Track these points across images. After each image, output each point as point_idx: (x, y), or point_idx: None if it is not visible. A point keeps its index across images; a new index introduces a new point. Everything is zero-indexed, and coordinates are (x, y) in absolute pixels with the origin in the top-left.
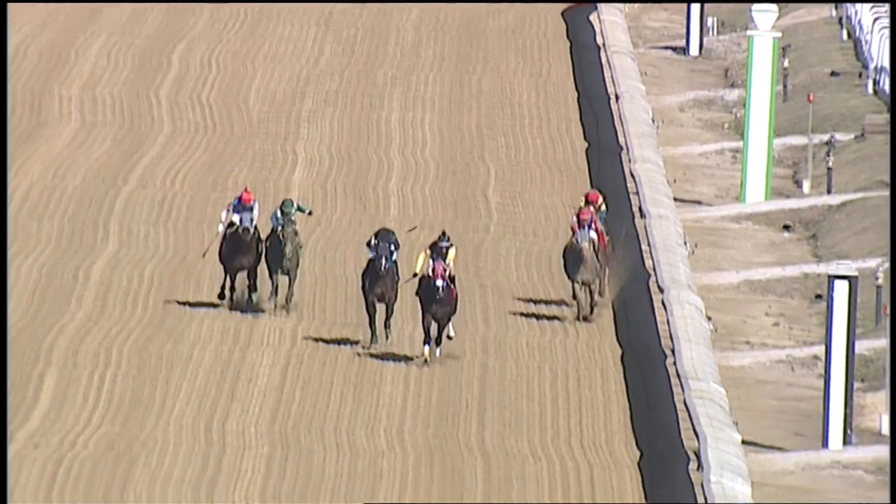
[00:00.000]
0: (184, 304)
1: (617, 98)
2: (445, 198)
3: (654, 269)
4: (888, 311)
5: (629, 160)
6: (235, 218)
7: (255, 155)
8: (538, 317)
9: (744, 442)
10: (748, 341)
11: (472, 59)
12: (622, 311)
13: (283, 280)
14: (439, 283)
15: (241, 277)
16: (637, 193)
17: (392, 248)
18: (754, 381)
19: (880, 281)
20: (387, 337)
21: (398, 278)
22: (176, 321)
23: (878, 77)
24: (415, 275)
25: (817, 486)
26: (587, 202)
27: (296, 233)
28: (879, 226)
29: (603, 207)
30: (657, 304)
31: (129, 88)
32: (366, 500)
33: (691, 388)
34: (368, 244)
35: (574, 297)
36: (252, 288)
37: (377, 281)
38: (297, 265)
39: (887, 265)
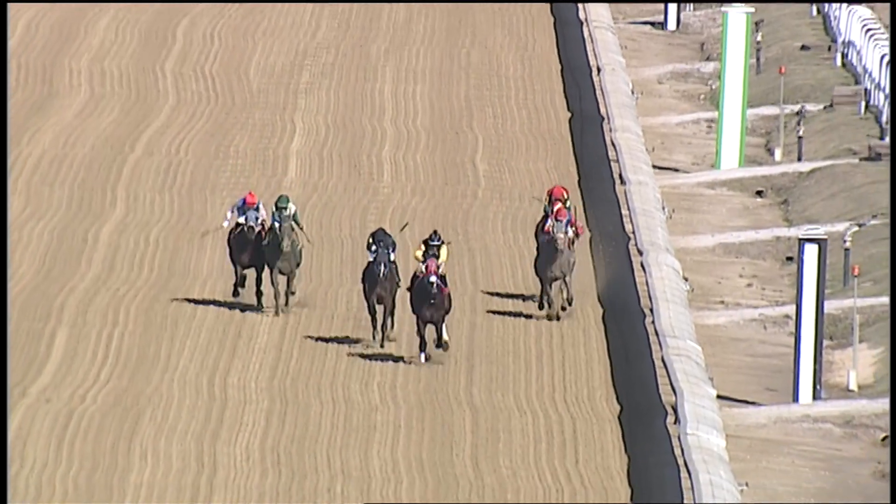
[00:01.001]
0: (188, 265)
1: (598, 70)
2: (436, 165)
3: (634, 233)
4: (857, 272)
5: (610, 129)
6: (242, 220)
7: (255, 124)
8: (524, 278)
9: (718, 396)
10: (723, 301)
11: (461, 34)
12: (603, 272)
13: (281, 280)
14: (432, 279)
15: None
16: (617, 161)
17: (390, 251)
18: (728, 338)
19: (848, 244)
20: (384, 342)
21: (398, 279)
22: (180, 282)
23: (846, 50)
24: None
25: (788, 438)
26: (551, 199)
27: (293, 229)
28: (847, 192)
29: (569, 203)
30: (636, 266)
31: (136, 61)
32: (360, 450)
33: (669, 345)
34: (368, 247)
35: (542, 300)
36: (259, 292)
37: (376, 285)
38: (298, 264)
39: (855, 229)
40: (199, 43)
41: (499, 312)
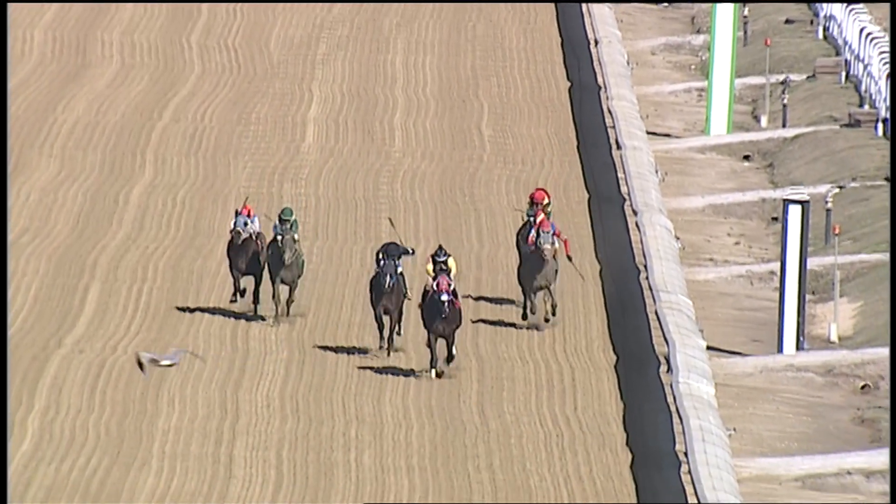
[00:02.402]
0: (212, 225)
1: (596, 43)
2: (444, 131)
3: (629, 195)
4: (837, 231)
5: (607, 98)
6: (232, 224)
7: (274, 93)
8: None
9: (708, 347)
10: (712, 258)
11: (468, 9)
12: (600, 231)
13: (284, 288)
14: (444, 297)
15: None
16: (614, 127)
17: (396, 263)
18: (717, 293)
19: (829, 205)
20: (390, 351)
21: (405, 291)
22: (205, 240)
23: (827, 24)
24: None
25: (773, 386)
26: (532, 203)
27: (295, 240)
28: (829, 156)
29: (550, 207)
30: (631, 226)
31: (164, 34)
32: (373, 398)
33: (661, 299)
34: (377, 259)
35: (525, 310)
36: (255, 300)
37: (382, 296)
38: (300, 275)
39: (836, 191)
40: (222, 17)
41: (502, 269)
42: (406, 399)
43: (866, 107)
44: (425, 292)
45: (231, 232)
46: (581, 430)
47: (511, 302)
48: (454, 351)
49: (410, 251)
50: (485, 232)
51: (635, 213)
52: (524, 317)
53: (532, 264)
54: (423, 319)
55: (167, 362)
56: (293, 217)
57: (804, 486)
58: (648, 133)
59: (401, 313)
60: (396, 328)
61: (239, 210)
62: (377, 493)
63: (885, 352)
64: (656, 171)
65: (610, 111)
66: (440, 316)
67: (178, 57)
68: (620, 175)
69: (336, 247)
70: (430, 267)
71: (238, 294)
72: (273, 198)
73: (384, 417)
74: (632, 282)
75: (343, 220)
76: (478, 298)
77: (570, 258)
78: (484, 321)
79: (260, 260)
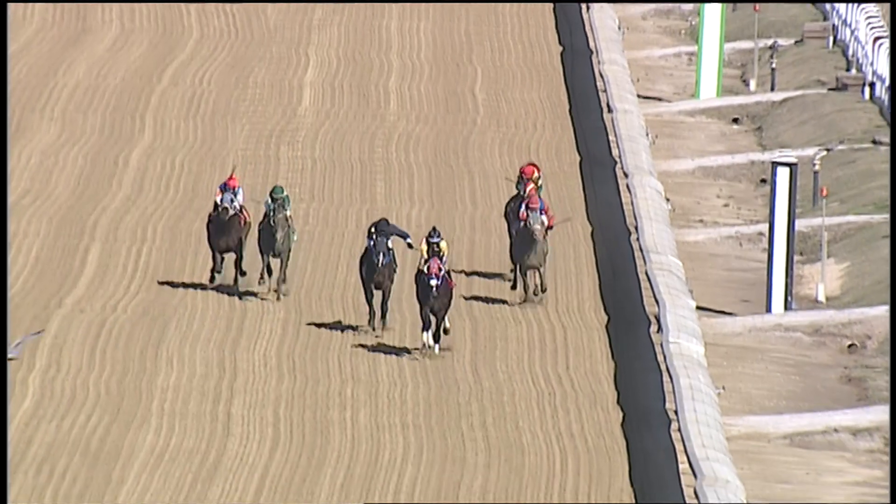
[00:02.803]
0: (210, 187)
1: (587, 8)
2: (438, 95)
3: (620, 157)
4: (825, 193)
5: (598, 62)
6: (218, 200)
7: (272, 57)
8: None
9: (698, 307)
10: (702, 220)
11: None
12: (592, 194)
13: (274, 263)
14: (433, 281)
15: (230, 260)
16: (605, 91)
17: (388, 240)
18: (707, 254)
19: (817, 167)
20: (383, 326)
21: (395, 267)
22: (203, 202)
23: None
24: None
25: (761, 345)
26: (522, 178)
27: (287, 219)
28: (816, 119)
29: (540, 181)
30: (622, 188)
31: None
32: (368, 357)
33: (652, 260)
34: (369, 234)
35: (516, 282)
36: (239, 272)
37: (374, 272)
38: (290, 250)
39: (824, 153)
40: None
41: (495, 230)
42: (401, 358)
43: (853, 71)
44: (419, 272)
45: (218, 209)
46: (573, 388)
47: (504, 264)
48: (446, 324)
49: (406, 236)
50: (478, 194)
51: (626, 175)
52: (513, 286)
53: (523, 242)
54: (418, 298)
55: (11, 355)
56: (284, 194)
57: (792, 443)
58: (639, 97)
59: (389, 289)
60: (386, 305)
61: (225, 182)
62: (372, 451)
63: (871, 312)
64: (647, 134)
65: (601, 75)
66: (431, 296)
67: (176, 22)
68: (612, 138)
69: (332, 209)
70: (425, 248)
71: (216, 272)
72: (270, 160)
73: (379, 376)
74: (623, 243)
75: (339, 182)
76: (471, 260)
77: (551, 227)
78: (478, 276)
79: (242, 237)
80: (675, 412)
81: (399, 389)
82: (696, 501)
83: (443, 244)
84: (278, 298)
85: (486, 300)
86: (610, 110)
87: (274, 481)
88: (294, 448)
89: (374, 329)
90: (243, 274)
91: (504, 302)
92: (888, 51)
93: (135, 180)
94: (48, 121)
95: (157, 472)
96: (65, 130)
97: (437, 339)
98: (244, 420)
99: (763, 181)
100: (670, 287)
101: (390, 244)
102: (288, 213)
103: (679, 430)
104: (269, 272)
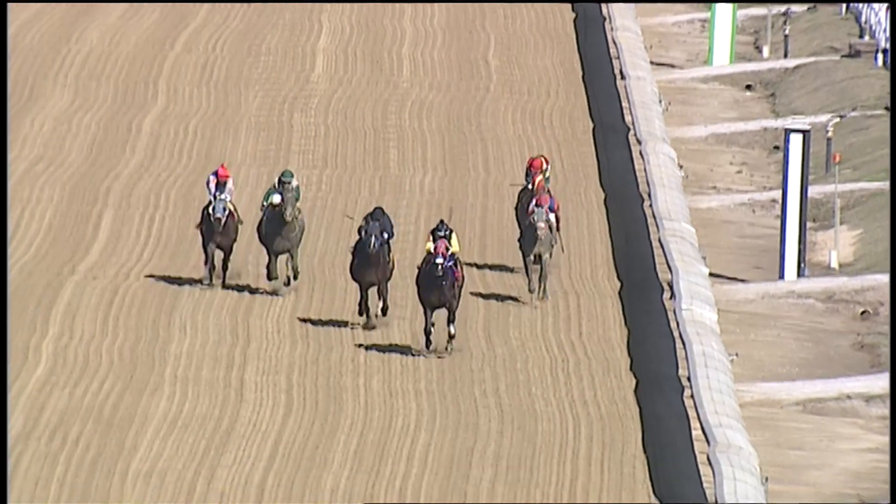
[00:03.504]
0: (223, 153)
1: None
2: (451, 61)
3: (633, 124)
4: (838, 159)
5: (611, 28)
6: (210, 209)
7: (285, 24)
8: None
9: (711, 274)
10: (715, 186)
11: None
12: (605, 160)
13: (281, 258)
14: (439, 260)
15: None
16: (618, 58)
17: (382, 229)
18: (720, 221)
19: (830, 134)
20: (376, 317)
21: (389, 260)
22: (216, 168)
23: None
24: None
25: (774, 312)
26: (530, 171)
27: (297, 212)
28: (829, 86)
29: (549, 174)
30: (635, 155)
31: None
32: (381, 326)
33: (665, 227)
34: (359, 229)
35: (527, 274)
36: (224, 267)
37: (366, 265)
38: (299, 242)
39: (837, 120)
40: None
41: (508, 197)
42: (414, 324)
43: (866, 38)
44: (423, 260)
45: (211, 218)
46: (586, 355)
47: (518, 229)
48: (453, 330)
49: (391, 235)
50: (491, 161)
51: (639, 142)
52: (527, 274)
53: (529, 237)
54: (419, 292)
55: None
56: (295, 182)
57: (805, 410)
58: (652, 63)
59: (385, 284)
60: (383, 304)
61: (216, 171)
62: (385, 417)
63: (884, 278)
64: (660, 101)
65: (614, 42)
66: (437, 283)
67: None
68: (625, 105)
69: (345, 175)
70: (430, 245)
71: (210, 272)
72: (283, 127)
73: (392, 343)
74: (636, 210)
75: (352, 149)
76: (483, 226)
77: (558, 227)
78: (490, 243)
79: (235, 238)
80: (688, 379)
81: (412, 356)
82: (708, 468)
83: (454, 240)
84: (288, 289)
85: (500, 268)
86: (623, 77)
87: (287, 447)
88: (307, 414)
89: (368, 327)
90: (225, 269)
91: (517, 269)
92: None
93: (148, 147)
94: (61, 87)
95: (170, 439)
96: (78, 97)
97: (449, 338)
98: (257, 386)
99: (776, 148)
100: (683, 254)
101: (385, 233)
102: (297, 204)
103: (692, 396)
104: (272, 270)
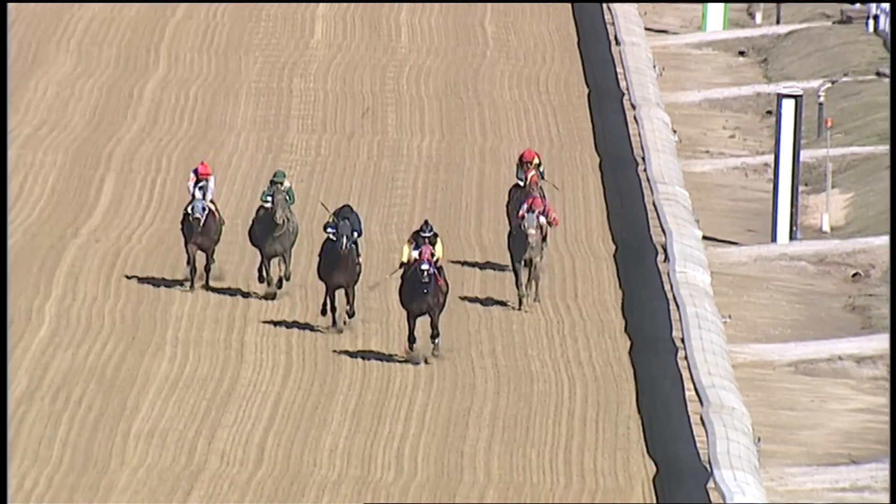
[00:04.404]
0: (223, 119)
1: None
2: (448, 28)
3: (628, 89)
4: (829, 124)
5: None
6: (190, 209)
7: None
8: (528, 128)
9: (704, 237)
10: (708, 151)
11: None
12: (600, 125)
13: (274, 261)
14: (425, 266)
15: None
16: (613, 24)
17: (353, 228)
18: (713, 184)
19: (822, 99)
20: (344, 323)
21: (359, 261)
22: (217, 133)
23: None
24: (401, 265)
25: (767, 274)
26: (521, 163)
27: (289, 214)
28: (821, 52)
29: (542, 167)
30: (630, 119)
31: None
32: (380, 290)
33: (659, 191)
34: (325, 227)
35: (516, 279)
36: (207, 269)
37: (335, 266)
38: (292, 245)
39: (828, 85)
40: None
41: (504, 161)
42: (418, 265)
43: (858, 4)
44: (406, 267)
45: (191, 217)
46: (581, 317)
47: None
48: (438, 333)
49: (360, 233)
50: (488, 125)
51: (634, 107)
52: (516, 282)
53: (519, 243)
54: (401, 297)
55: None
56: (287, 183)
57: (797, 371)
58: (646, 29)
59: (353, 285)
60: (350, 308)
61: (196, 168)
62: (383, 378)
63: (875, 241)
64: (654, 67)
65: (609, 8)
66: (420, 290)
67: None
68: (619, 70)
69: (343, 140)
70: (409, 243)
71: (192, 274)
72: (283, 92)
73: (390, 305)
74: (630, 173)
75: (350, 113)
76: (480, 190)
77: (549, 223)
78: (487, 210)
79: (217, 239)
80: (682, 340)
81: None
82: (702, 428)
83: (438, 245)
84: (280, 286)
85: (496, 230)
86: (618, 43)
87: (287, 408)
88: (306, 375)
89: (335, 330)
90: (208, 270)
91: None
92: None
93: (149, 112)
94: (64, 53)
95: (171, 399)
96: (80, 63)
97: (433, 338)
98: (257, 348)
99: (769, 113)
100: (677, 217)
101: (355, 235)
102: (290, 206)
103: (685, 357)
104: (265, 273)
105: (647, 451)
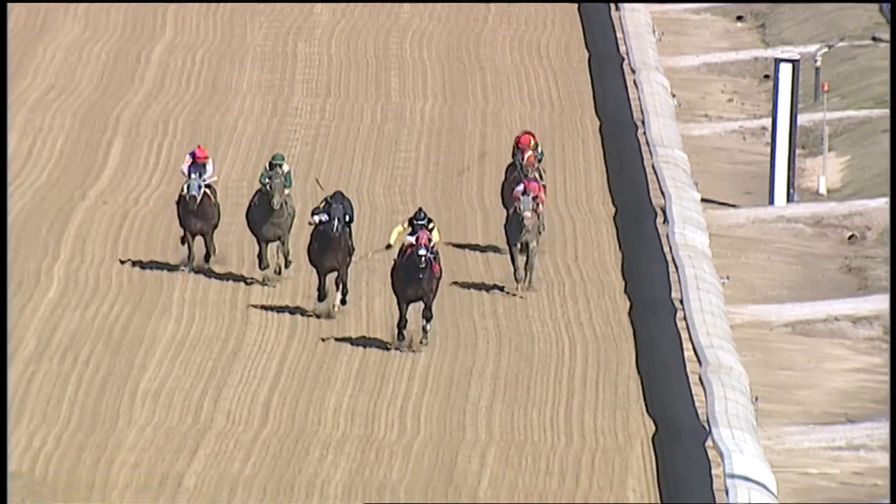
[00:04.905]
0: (230, 83)
1: None
2: None
3: (627, 54)
4: (826, 88)
5: None
6: (185, 188)
7: None
8: (529, 92)
9: (703, 199)
10: (706, 114)
11: None
12: (600, 89)
13: (272, 246)
14: (422, 251)
15: (203, 242)
16: None
17: (345, 212)
18: (711, 148)
19: (818, 63)
20: (336, 309)
21: (352, 245)
22: (223, 97)
23: None
24: (388, 246)
25: (764, 236)
26: (518, 147)
27: (283, 191)
28: (818, 17)
29: (539, 148)
30: (629, 83)
31: None
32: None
33: (658, 154)
34: (315, 211)
35: (513, 262)
36: (207, 254)
37: (328, 248)
38: (289, 229)
39: (825, 50)
40: None
41: (506, 125)
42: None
43: None
44: (402, 251)
45: (186, 196)
46: (581, 278)
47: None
48: (432, 315)
49: (352, 220)
50: (489, 89)
51: (633, 71)
52: (513, 264)
53: (515, 226)
54: (393, 283)
55: None
56: (286, 166)
57: (794, 331)
58: None
59: (346, 269)
60: (342, 293)
61: (193, 152)
62: (387, 338)
63: (871, 203)
64: (653, 31)
65: None
66: (416, 276)
67: None
68: (619, 35)
69: (348, 104)
70: (403, 227)
71: (189, 258)
72: (287, 56)
73: None
74: (630, 137)
75: (354, 77)
76: (482, 154)
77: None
78: (489, 173)
79: (215, 222)
80: (681, 301)
81: None
82: (700, 387)
83: (435, 231)
84: (279, 278)
85: (497, 192)
86: (617, 8)
87: (291, 367)
88: (311, 336)
89: (324, 316)
90: (213, 253)
91: None
92: None
93: (156, 76)
94: (72, 18)
95: (177, 359)
96: (88, 28)
97: (426, 318)
98: (263, 308)
99: (766, 77)
100: (676, 180)
101: (348, 218)
102: (288, 191)
103: (684, 318)
104: (266, 262)
105: (647, 411)
